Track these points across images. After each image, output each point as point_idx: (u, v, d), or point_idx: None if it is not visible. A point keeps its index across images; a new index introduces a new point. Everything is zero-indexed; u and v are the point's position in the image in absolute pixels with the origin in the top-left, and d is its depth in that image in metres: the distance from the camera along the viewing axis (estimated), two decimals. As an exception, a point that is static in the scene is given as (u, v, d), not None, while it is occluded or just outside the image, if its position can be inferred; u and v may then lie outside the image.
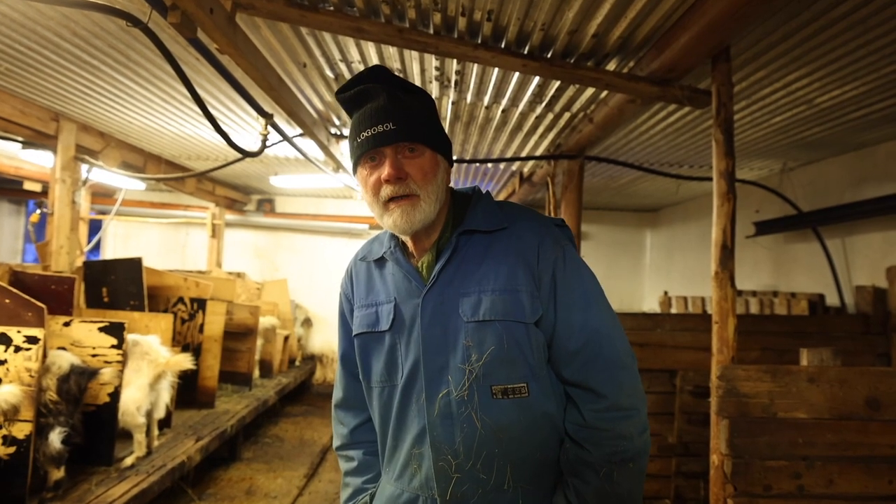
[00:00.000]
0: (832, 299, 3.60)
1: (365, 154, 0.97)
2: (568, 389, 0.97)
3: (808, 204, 3.85)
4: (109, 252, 6.85)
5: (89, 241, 5.65)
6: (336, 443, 1.17)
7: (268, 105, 2.68)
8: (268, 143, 2.58)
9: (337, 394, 1.17)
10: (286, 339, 5.78)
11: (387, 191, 0.95)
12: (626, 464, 0.92)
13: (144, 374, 2.90)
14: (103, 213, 6.53)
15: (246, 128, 3.65)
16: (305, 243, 6.99)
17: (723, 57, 1.79)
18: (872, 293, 3.18)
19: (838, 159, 3.68)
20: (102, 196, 6.44)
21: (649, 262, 6.91)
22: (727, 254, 1.75)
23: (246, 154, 2.50)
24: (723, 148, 1.78)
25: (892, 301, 3.12)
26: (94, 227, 6.40)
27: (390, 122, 0.94)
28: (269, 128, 2.59)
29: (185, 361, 3.01)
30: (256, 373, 5.10)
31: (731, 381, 1.65)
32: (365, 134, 0.95)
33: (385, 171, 0.94)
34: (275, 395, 4.92)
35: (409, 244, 1.03)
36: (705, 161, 4.06)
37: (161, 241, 6.97)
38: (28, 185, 5.29)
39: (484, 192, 1.08)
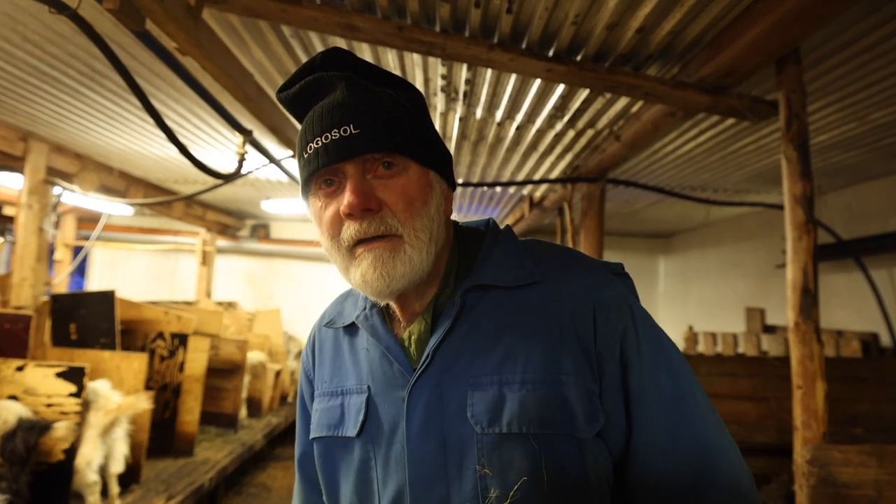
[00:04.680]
0: (884, 338, 3.22)
1: (316, 174, 0.62)
2: None
3: (846, 231, 3.51)
4: (95, 280, 6.54)
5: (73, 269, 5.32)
6: None
7: (247, 120, 2.37)
8: (255, 166, 2.25)
9: None
10: (278, 374, 5.40)
11: (350, 230, 0.61)
12: None
13: (93, 424, 2.55)
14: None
15: (230, 147, 3.35)
16: (301, 271, 6.68)
17: (792, 59, 1.47)
18: (934, 333, 2.81)
19: (876, 183, 3.37)
20: (90, 221, 6.14)
21: (663, 290, 6.56)
22: (809, 300, 1.40)
23: (219, 176, 2.19)
24: (797, 168, 1.45)
25: (959, 342, 2.75)
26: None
27: (351, 123, 0.60)
28: (250, 147, 2.27)
29: (139, 402, 2.69)
30: (243, 412, 4.71)
31: (826, 467, 1.28)
32: (314, 144, 0.61)
33: (345, 199, 0.60)
34: (262, 437, 4.52)
35: (394, 305, 0.68)
36: (731, 185, 3.78)
37: (149, 269, 6.67)
38: (8, 210, 4.99)
39: (503, 226, 0.73)
